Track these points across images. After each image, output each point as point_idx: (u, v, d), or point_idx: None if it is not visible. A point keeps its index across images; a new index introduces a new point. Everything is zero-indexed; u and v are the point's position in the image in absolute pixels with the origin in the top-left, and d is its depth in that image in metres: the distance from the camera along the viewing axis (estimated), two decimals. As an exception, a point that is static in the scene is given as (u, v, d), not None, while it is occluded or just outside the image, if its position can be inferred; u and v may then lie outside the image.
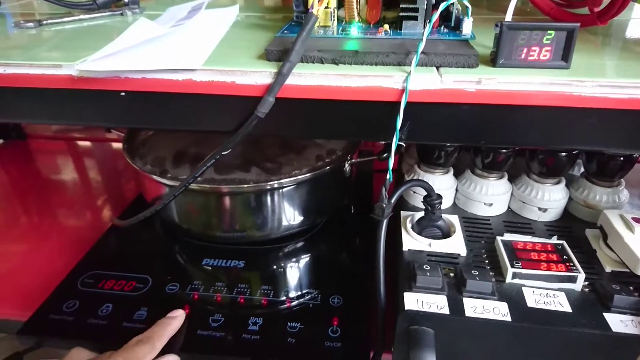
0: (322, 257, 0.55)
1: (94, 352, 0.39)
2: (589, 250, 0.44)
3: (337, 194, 0.58)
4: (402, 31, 0.37)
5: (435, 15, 0.32)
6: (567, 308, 0.36)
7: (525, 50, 0.31)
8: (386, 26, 0.37)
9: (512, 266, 0.39)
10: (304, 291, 0.48)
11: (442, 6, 0.32)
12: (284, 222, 0.53)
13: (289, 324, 0.43)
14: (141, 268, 0.52)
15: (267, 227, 0.52)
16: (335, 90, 0.32)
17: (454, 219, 0.46)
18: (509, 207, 0.50)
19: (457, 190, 0.50)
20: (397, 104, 0.32)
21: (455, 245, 0.43)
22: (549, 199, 0.47)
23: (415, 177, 0.49)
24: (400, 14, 0.36)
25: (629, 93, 0.29)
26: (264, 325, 0.43)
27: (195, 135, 0.57)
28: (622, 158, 0.46)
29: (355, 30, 0.37)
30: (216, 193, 0.49)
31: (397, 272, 0.41)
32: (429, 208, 0.42)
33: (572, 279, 0.38)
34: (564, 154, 0.46)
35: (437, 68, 0.33)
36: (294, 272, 0.52)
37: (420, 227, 0.44)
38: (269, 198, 0.50)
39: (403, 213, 0.47)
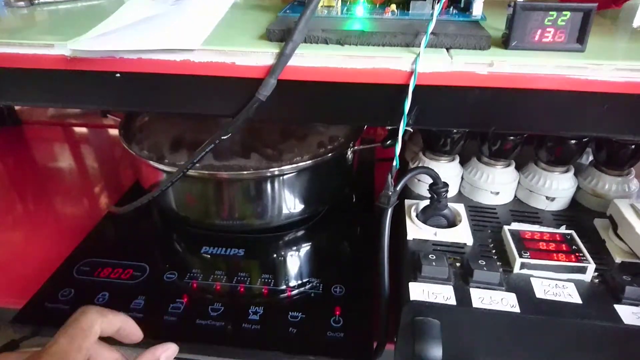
0: (323, 246, 0.55)
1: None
2: (597, 240, 0.43)
3: (338, 182, 0.57)
4: (410, 12, 0.35)
5: (446, -6, 0.31)
6: (576, 299, 0.35)
7: (539, 32, 0.30)
8: (393, 6, 0.35)
9: (520, 256, 0.38)
10: (305, 280, 0.47)
11: (453, -16, 0.30)
12: (285, 210, 0.52)
13: (290, 313, 0.43)
14: (138, 256, 0.51)
15: (267, 215, 0.51)
16: (340, 72, 0.31)
17: (460, 208, 0.45)
18: (515, 196, 0.49)
19: (462, 178, 0.49)
20: (405, 87, 0.31)
21: (462, 234, 0.42)
22: (557, 187, 0.46)
23: (420, 165, 0.48)
24: (408, -6, 0.34)
25: (648, 77, 0.28)
26: (265, 314, 0.43)
27: (193, 121, 0.56)
28: (633, 146, 0.44)
29: (361, 10, 0.35)
30: (215, 179, 0.48)
31: (401, 262, 0.40)
32: (435, 196, 0.41)
33: (582, 270, 0.38)
34: (573, 141, 0.45)
35: (447, 50, 0.32)
36: (295, 261, 0.51)
37: (425, 216, 0.43)
38: (269, 185, 0.49)
39: (407, 201, 0.46)
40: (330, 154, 0.49)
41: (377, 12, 0.35)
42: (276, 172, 0.47)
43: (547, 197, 0.47)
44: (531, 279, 0.38)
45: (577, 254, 0.39)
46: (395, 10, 0.35)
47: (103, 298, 0.45)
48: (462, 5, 0.36)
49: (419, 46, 0.30)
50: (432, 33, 0.30)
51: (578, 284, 0.37)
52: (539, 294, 0.36)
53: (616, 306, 0.35)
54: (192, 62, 0.32)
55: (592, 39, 0.31)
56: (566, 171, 0.47)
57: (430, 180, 0.42)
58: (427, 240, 0.42)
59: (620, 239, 0.41)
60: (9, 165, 0.81)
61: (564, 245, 0.40)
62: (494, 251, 0.41)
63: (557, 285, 0.37)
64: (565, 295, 0.36)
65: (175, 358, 0.39)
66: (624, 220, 0.40)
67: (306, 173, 0.49)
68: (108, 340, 0.33)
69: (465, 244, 0.41)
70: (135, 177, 0.66)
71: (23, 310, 0.43)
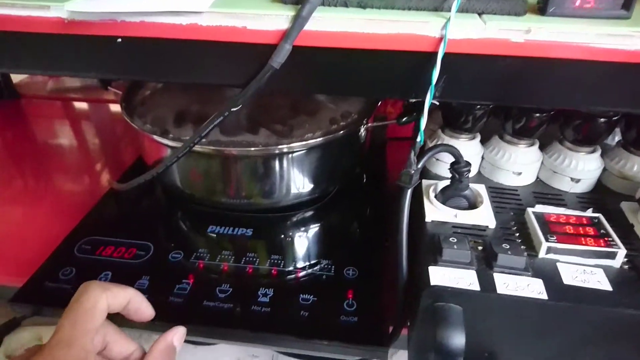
0: (334, 227, 0.53)
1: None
2: (625, 224, 0.41)
3: (350, 160, 0.55)
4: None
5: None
6: (606, 286, 0.34)
7: (580, -4, 0.27)
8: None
9: (547, 240, 0.36)
10: (316, 262, 0.46)
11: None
12: (294, 190, 0.50)
13: (301, 296, 0.41)
14: (142, 234, 0.49)
15: (276, 194, 0.49)
16: (362, 37, 0.29)
17: (481, 189, 0.43)
18: (537, 177, 0.47)
19: (482, 158, 0.47)
20: (434, 54, 0.29)
21: (483, 216, 0.40)
22: (582, 168, 0.44)
23: (439, 143, 0.46)
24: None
25: None
26: (275, 296, 0.41)
27: (199, 93, 0.53)
28: (665, 125, 0.42)
29: (383, -30, 0.33)
30: (222, 156, 0.46)
31: (419, 245, 0.38)
32: (457, 176, 0.39)
33: (611, 255, 0.36)
34: (602, 119, 0.42)
35: (479, 15, 0.29)
36: (305, 242, 0.50)
37: (445, 197, 0.41)
38: (279, 163, 0.46)
39: (425, 182, 0.44)
40: (343, 131, 0.47)
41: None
42: (286, 149, 0.45)
43: (572, 179, 0.45)
44: (557, 264, 0.36)
45: (605, 239, 0.37)
46: (421, -28, 0.32)
47: (106, 277, 0.43)
48: (494, -34, 0.33)
49: (449, 10, 0.28)
50: (464, -4, 0.27)
51: (607, 270, 0.35)
52: (567, 280, 0.34)
53: (649, 294, 0.33)
54: (199, 26, 0.30)
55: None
56: (593, 151, 0.45)
57: (451, 159, 0.39)
58: (447, 222, 0.40)
59: (651, 223, 0.39)
60: (8, 139, 0.79)
61: (591, 229, 0.38)
62: (517, 234, 0.39)
63: (585, 271, 0.35)
64: (594, 281, 0.34)
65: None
66: (656, 204, 0.38)
67: (318, 150, 0.47)
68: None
69: (487, 226, 0.39)
70: (138, 153, 0.64)
71: (23, 289, 0.42)
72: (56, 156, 0.73)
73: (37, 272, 0.43)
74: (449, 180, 0.41)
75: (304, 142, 0.45)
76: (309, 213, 0.54)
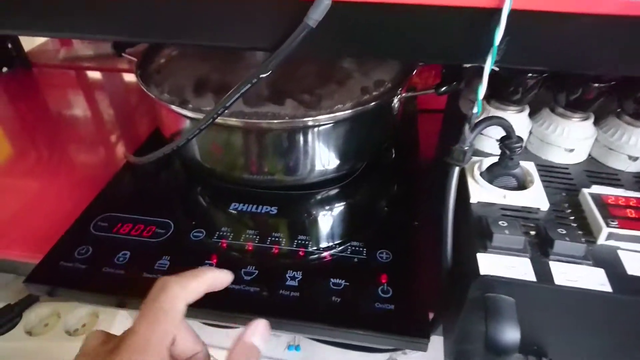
0: (364, 206, 0.50)
1: (111, 306, 0.35)
2: (691, 208, 0.37)
3: (382, 134, 0.51)
4: None
5: None
6: (677, 278, 0.30)
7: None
8: None
9: (608, 225, 0.33)
10: (346, 244, 0.43)
11: None
12: (321, 166, 0.47)
13: (332, 280, 0.38)
14: (161, 211, 0.47)
15: (302, 170, 0.46)
16: (414, -10, 0.25)
17: (530, 167, 0.39)
18: (589, 155, 0.43)
19: (530, 132, 0.43)
20: (497, 11, 0.25)
21: (535, 197, 0.36)
22: (643, 145, 0.40)
23: (482, 115, 0.42)
24: None
25: None
26: (304, 280, 0.39)
27: (219, 60, 0.50)
28: None
29: None
30: (246, 128, 0.42)
31: (464, 229, 0.35)
32: (507, 152, 0.35)
33: (681, 243, 0.32)
34: (670, 90, 0.38)
35: (554, -37, 0.25)
36: (334, 221, 0.47)
37: (491, 175, 0.37)
38: (306, 136, 0.43)
39: (468, 158, 0.40)
40: (376, 101, 0.43)
41: None
42: (317, 121, 0.41)
43: (630, 156, 0.41)
44: (618, 252, 0.33)
45: (673, 224, 0.33)
46: None
47: (124, 258, 0.41)
48: None
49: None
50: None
51: (675, 259, 0.32)
52: (631, 270, 0.31)
53: None
54: (225, -22, 0.26)
55: None
56: (655, 126, 0.41)
57: (498, 133, 0.36)
58: (494, 203, 0.36)
59: None
60: (20, 110, 0.77)
61: (656, 213, 0.34)
62: (571, 218, 0.36)
63: (651, 261, 0.32)
64: (662, 272, 0.31)
65: (205, 324, 0.34)
66: None
67: (349, 123, 0.44)
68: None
69: (538, 209, 0.36)
70: (154, 124, 0.61)
71: (37, 269, 0.40)
72: (69, 128, 0.71)
73: (52, 251, 0.41)
74: (496, 157, 0.38)
75: (336, 114, 0.41)
76: (337, 191, 0.50)
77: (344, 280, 0.38)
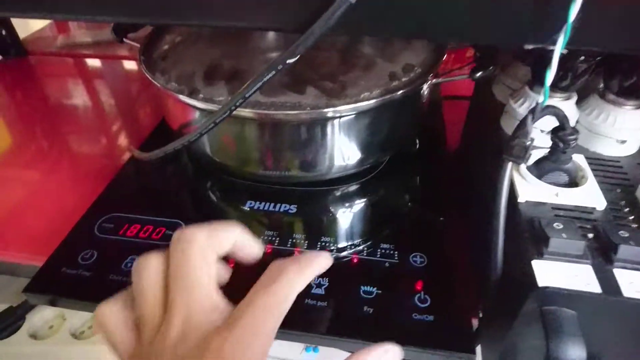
0: (392, 204, 0.46)
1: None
2: None
3: (411, 123, 0.47)
4: None
5: None
6: None
7: None
8: None
9: (677, 228, 0.29)
10: (375, 247, 0.39)
11: None
12: (346, 159, 0.43)
13: (362, 288, 0.35)
14: (171, 211, 0.43)
15: (325, 164, 0.42)
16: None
17: (581, 161, 0.36)
18: (640, 147, 0.40)
19: (577, 122, 0.39)
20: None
21: (589, 195, 0.33)
22: (703, 135, 0.36)
23: (526, 103, 0.38)
24: None
25: None
26: (331, 288, 0.35)
27: (230, 44, 0.46)
28: None
29: None
30: (265, 121, 0.39)
31: (512, 232, 0.31)
32: (561, 145, 0.32)
33: None
34: None
35: None
36: (360, 221, 0.43)
37: (540, 171, 0.34)
38: (331, 127, 0.39)
39: (511, 151, 0.37)
40: (407, 88, 0.39)
41: None
42: (341, 111, 0.38)
43: (690, 148, 0.37)
44: (689, 258, 0.29)
45: None
46: None
47: (132, 263, 0.37)
48: None
49: None
50: None
51: None
52: None
53: None
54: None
55: None
56: None
57: (552, 124, 0.32)
58: (545, 203, 0.33)
59: None
60: (16, 101, 0.74)
61: None
62: (631, 218, 0.32)
63: None
64: None
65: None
66: None
67: (376, 112, 0.40)
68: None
69: (594, 208, 0.33)
70: (160, 116, 0.57)
71: (38, 276, 0.37)
72: (69, 119, 0.67)
73: (53, 256, 0.38)
74: (542, 151, 0.34)
75: (363, 103, 0.37)
76: (360, 186, 0.47)
77: (375, 288, 0.35)
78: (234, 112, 0.37)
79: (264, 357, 0.22)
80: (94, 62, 0.85)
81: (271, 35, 0.46)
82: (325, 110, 0.37)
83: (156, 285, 0.24)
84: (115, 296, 0.25)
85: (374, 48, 0.45)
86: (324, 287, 0.35)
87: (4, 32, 0.83)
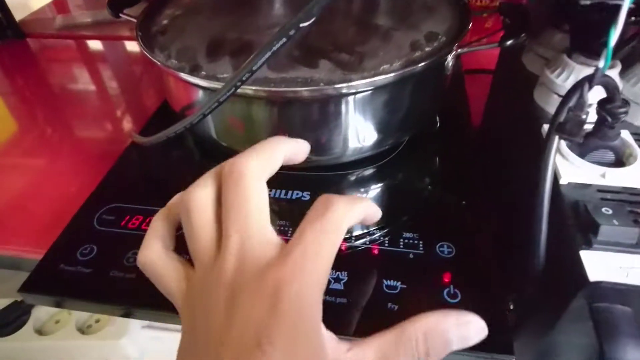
0: (413, 188, 0.43)
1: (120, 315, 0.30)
2: None
3: (434, 98, 0.44)
4: None
5: None
6: None
7: None
8: None
9: None
10: (397, 236, 0.36)
11: None
12: (362, 140, 0.40)
13: (385, 282, 0.33)
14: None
15: (342, 145, 0.39)
16: None
17: (628, 136, 0.32)
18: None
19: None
20: None
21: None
22: None
23: (564, 73, 0.35)
24: None
25: None
26: (351, 282, 0.33)
27: (234, 15, 0.43)
28: None
29: None
30: (273, 99, 0.36)
31: (554, 218, 0.28)
32: (609, 120, 0.28)
33: None
34: None
35: None
36: (380, 209, 0.40)
37: (583, 149, 0.31)
38: (348, 104, 0.37)
39: (548, 127, 0.33)
40: (432, 58, 0.36)
41: None
42: (360, 86, 0.34)
43: None
44: None
45: None
46: None
47: (134, 258, 0.35)
48: None
49: None
50: None
51: None
52: None
53: None
54: None
55: None
56: None
57: (600, 95, 0.29)
58: (590, 184, 0.30)
59: None
60: (14, 85, 0.71)
61: None
62: (685, 201, 0.29)
63: None
64: None
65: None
66: None
67: (397, 86, 0.37)
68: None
69: (644, 189, 0.29)
70: (161, 96, 0.55)
71: (34, 275, 0.35)
72: (68, 103, 0.65)
73: (50, 252, 0.36)
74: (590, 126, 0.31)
75: (384, 76, 0.34)
76: (376, 170, 0.44)
77: (399, 282, 0.32)
78: (240, 91, 0.34)
79: (325, 281, 0.21)
80: (94, 43, 0.83)
81: (279, 3, 0.43)
82: (341, 85, 0.34)
83: (208, 219, 0.23)
84: (149, 242, 0.25)
85: (393, 15, 0.41)
86: (343, 281, 0.33)
87: (-1, 14, 0.80)
